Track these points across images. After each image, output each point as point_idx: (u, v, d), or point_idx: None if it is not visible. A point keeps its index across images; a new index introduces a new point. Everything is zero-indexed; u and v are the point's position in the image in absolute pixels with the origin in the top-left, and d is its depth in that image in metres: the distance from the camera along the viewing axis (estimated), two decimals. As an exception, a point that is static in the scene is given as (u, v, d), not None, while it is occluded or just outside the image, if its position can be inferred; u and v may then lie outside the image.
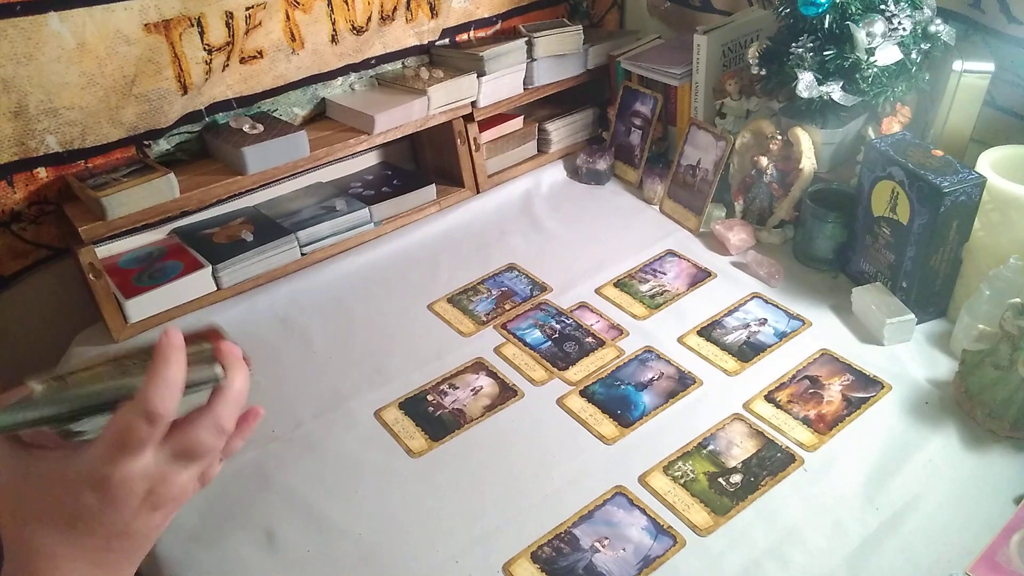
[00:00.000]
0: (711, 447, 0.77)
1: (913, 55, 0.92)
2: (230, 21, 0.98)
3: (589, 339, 0.92)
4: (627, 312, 0.96)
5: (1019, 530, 0.65)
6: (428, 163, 1.29)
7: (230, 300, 1.02)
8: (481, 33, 1.28)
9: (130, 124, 0.98)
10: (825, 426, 0.78)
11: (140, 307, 0.98)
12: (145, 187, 0.94)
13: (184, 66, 0.97)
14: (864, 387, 0.82)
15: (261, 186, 1.10)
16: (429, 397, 0.86)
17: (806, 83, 0.93)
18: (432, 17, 1.20)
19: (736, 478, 0.73)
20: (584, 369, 0.88)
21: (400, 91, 1.15)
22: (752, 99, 1.09)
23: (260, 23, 1.02)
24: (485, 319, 0.97)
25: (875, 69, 0.91)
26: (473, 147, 1.20)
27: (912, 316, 0.86)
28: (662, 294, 0.99)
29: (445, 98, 1.14)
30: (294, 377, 0.89)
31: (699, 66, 1.12)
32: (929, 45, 0.93)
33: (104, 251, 1.02)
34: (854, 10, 0.90)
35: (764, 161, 1.03)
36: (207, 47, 0.98)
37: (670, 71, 1.16)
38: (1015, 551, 0.63)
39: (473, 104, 1.18)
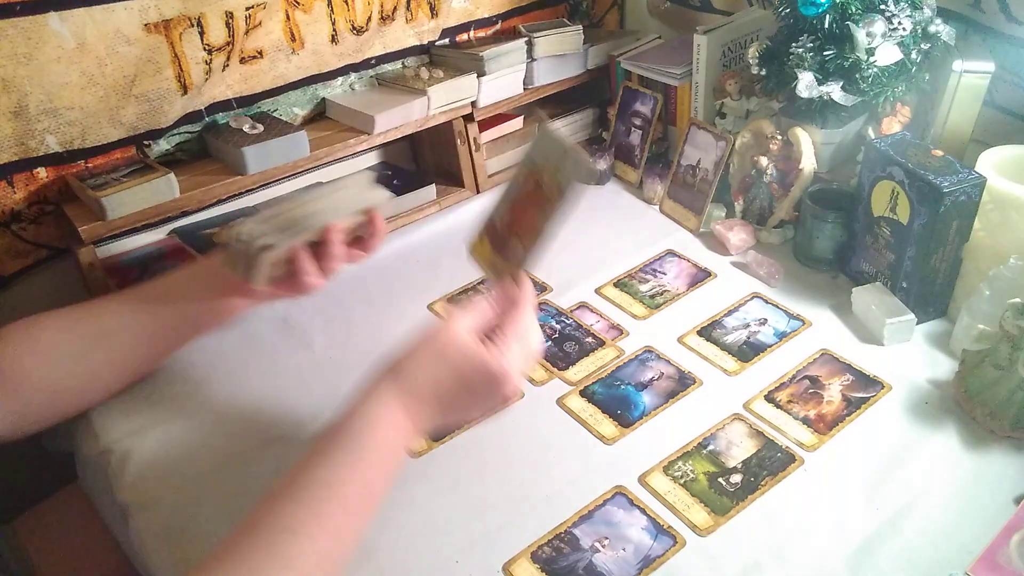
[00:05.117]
0: (711, 447, 0.77)
1: (913, 55, 0.92)
2: (230, 21, 0.98)
3: (589, 339, 0.92)
4: (627, 312, 0.96)
5: (1019, 530, 0.65)
6: (428, 163, 1.29)
7: (230, 300, 1.02)
8: (481, 33, 1.28)
9: (130, 124, 0.98)
10: (825, 426, 0.78)
11: (140, 307, 0.97)
12: (145, 187, 0.94)
13: (184, 66, 0.97)
14: (864, 387, 0.82)
15: (261, 186, 1.10)
16: (429, 397, 0.86)
17: (806, 83, 0.93)
18: (432, 17, 1.20)
19: (736, 478, 0.73)
20: (584, 369, 0.88)
21: (400, 91, 1.15)
22: (752, 99, 1.09)
23: (260, 23, 1.02)
24: (485, 319, 0.97)
25: (875, 69, 0.91)
26: (473, 147, 1.20)
27: (912, 316, 0.86)
28: (662, 294, 0.99)
29: (445, 98, 1.14)
30: (294, 377, 0.89)
31: (699, 66, 1.12)
32: (929, 45, 0.93)
33: (104, 251, 1.02)
34: (854, 10, 0.90)
35: (764, 161, 1.03)
36: (207, 47, 0.98)
37: (670, 71, 1.17)
38: (1015, 551, 0.63)
39: (473, 104, 1.18)
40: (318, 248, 0.79)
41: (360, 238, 0.84)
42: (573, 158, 0.67)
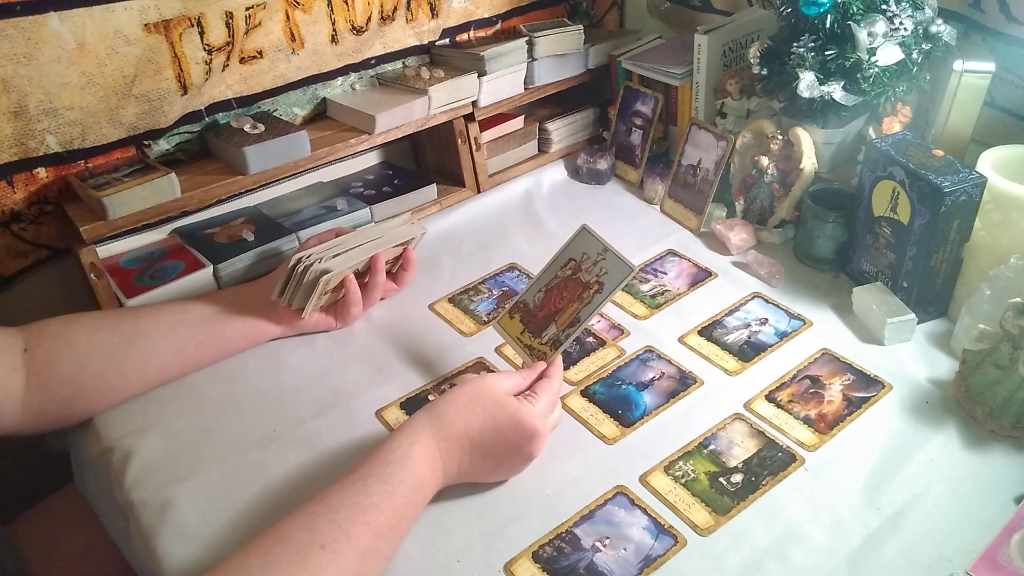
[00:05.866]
0: (712, 447, 0.77)
1: (914, 55, 0.92)
2: (230, 21, 0.98)
3: (590, 339, 0.92)
4: (628, 312, 0.96)
5: (1019, 530, 0.65)
6: (429, 163, 1.29)
7: (231, 300, 1.02)
8: (481, 33, 1.28)
9: (130, 124, 0.98)
10: (826, 426, 0.78)
11: (141, 307, 0.97)
12: (146, 187, 0.94)
13: (184, 66, 0.97)
14: (865, 387, 0.82)
15: (262, 186, 1.10)
16: (430, 397, 0.86)
17: (807, 83, 0.93)
18: (432, 17, 1.20)
19: (737, 478, 0.73)
20: (585, 369, 0.88)
21: (401, 91, 1.15)
22: (753, 99, 1.09)
23: (260, 23, 1.02)
24: (486, 319, 0.97)
25: (876, 69, 0.91)
26: (474, 147, 1.20)
27: (913, 316, 0.86)
28: (663, 294, 0.99)
29: (446, 98, 1.14)
30: (295, 376, 0.89)
31: (700, 66, 1.12)
32: (930, 45, 0.93)
33: (105, 251, 1.02)
34: (855, 10, 0.90)
35: (765, 161, 1.03)
36: (207, 47, 0.98)
37: (671, 71, 1.17)
38: (1015, 551, 0.63)
39: (474, 104, 1.18)
40: (362, 280, 0.92)
41: (392, 273, 0.99)
42: (613, 255, 0.74)
